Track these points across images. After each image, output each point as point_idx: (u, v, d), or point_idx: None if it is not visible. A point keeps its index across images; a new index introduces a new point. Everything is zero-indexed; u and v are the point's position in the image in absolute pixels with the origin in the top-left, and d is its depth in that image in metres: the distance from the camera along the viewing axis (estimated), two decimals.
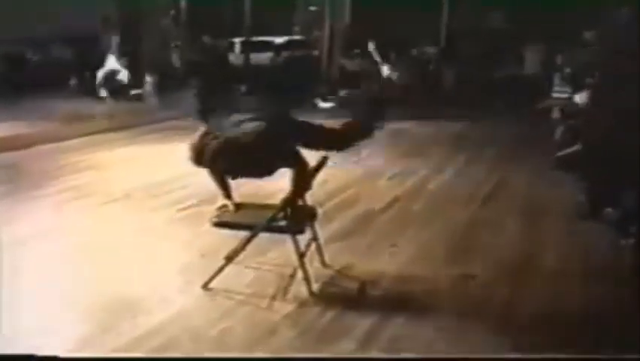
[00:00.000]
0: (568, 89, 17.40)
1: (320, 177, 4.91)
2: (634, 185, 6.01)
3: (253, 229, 4.58)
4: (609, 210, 6.35)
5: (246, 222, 4.66)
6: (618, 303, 4.57)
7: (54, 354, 3.71)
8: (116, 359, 3.95)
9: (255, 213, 4.89)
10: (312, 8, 22.45)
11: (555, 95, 17.52)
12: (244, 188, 7.05)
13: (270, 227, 4.57)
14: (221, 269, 4.62)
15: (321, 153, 4.86)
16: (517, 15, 18.72)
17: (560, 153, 8.60)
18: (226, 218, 4.78)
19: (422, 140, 11.39)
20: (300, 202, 4.77)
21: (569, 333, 4.11)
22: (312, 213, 5.00)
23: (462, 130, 12.72)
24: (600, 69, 7.36)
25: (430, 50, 18.99)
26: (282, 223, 4.55)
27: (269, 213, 4.61)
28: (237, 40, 20.11)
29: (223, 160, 4.66)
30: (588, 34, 18.98)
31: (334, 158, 4.98)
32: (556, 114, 13.85)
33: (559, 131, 9.35)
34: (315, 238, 5.03)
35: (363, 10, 19.45)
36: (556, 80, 18.71)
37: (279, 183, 6.79)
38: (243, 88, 17.28)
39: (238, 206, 5.01)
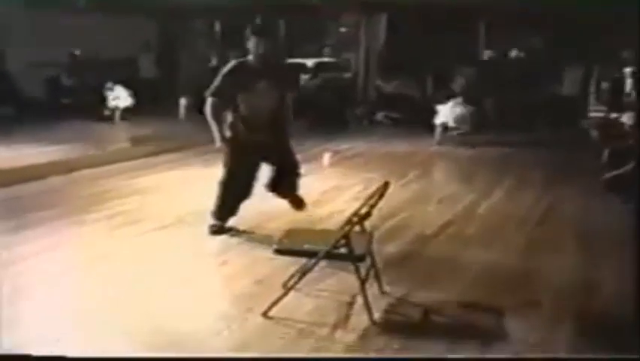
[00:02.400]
0: (603, 108, 17.31)
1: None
2: None
3: (315, 256, 4.52)
4: None
5: (309, 249, 4.60)
6: None
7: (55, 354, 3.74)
8: (116, 359, 3.97)
9: (311, 239, 4.85)
10: (343, 29, 22.50)
11: (592, 114, 17.43)
12: (293, 215, 7.09)
13: (332, 254, 4.50)
14: (282, 297, 4.56)
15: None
16: (554, 37, 18.55)
17: (608, 175, 8.49)
18: (287, 245, 4.71)
19: (466, 164, 11.28)
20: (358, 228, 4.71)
21: None
22: (370, 239, 4.93)
23: (506, 154, 12.57)
24: None
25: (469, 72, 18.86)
26: (344, 250, 4.48)
27: (325, 239, 4.56)
28: None
29: None
30: (626, 53, 18.88)
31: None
32: (594, 134, 13.77)
33: (606, 153, 9.21)
34: (373, 265, 4.95)
35: (397, 32, 19.35)
36: (592, 100, 18.63)
37: (328, 208, 6.78)
38: None
39: (289, 232, 4.97)
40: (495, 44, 19.54)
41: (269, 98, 6.29)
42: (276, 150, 6.55)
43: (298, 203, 7.00)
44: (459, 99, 13.55)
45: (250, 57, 6.24)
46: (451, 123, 13.35)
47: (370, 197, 4.75)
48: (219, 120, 6.28)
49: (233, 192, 6.51)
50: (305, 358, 3.96)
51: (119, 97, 16.06)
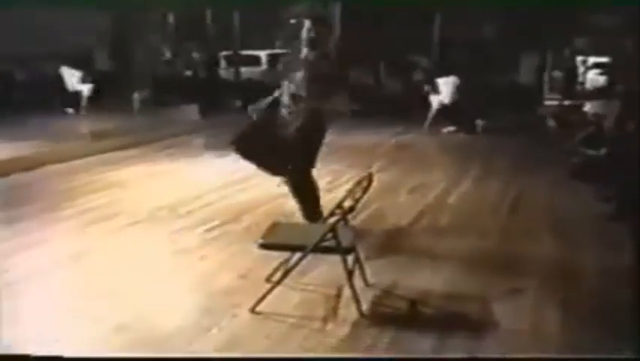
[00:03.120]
0: (558, 97, 17.57)
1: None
2: None
3: (303, 250, 4.50)
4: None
5: (295, 243, 4.58)
6: None
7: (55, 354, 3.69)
8: (116, 359, 3.93)
9: (296, 233, 4.85)
10: (293, 21, 22.36)
11: (547, 102, 17.69)
12: (267, 207, 7.08)
13: (320, 247, 4.49)
14: (269, 292, 4.54)
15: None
16: (509, 24, 18.76)
17: (575, 161, 8.65)
18: (272, 239, 4.67)
19: (429, 152, 11.37)
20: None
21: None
22: (355, 232, 4.93)
23: (466, 141, 12.71)
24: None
25: (423, 61, 19.02)
26: (331, 243, 4.47)
27: (310, 232, 4.56)
28: (223, 53, 20.04)
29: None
30: (580, 42, 19.19)
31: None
32: (551, 123, 13.99)
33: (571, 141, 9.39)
34: (357, 258, 4.95)
35: (352, 21, 19.37)
36: (546, 88, 18.90)
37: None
38: (239, 103, 17.23)
39: (274, 226, 4.94)
40: (450, 33, 19.67)
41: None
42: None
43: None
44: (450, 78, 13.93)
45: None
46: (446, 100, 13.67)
47: (352, 190, 4.77)
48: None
49: None
50: (305, 358, 3.95)
51: (75, 76, 15.89)
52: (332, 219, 4.64)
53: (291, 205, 6.72)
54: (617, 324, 4.41)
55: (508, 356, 4.02)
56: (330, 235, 4.44)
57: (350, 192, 4.79)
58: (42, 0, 15.82)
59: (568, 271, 5.41)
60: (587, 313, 4.65)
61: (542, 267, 5.50)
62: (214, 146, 12.05)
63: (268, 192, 7.58)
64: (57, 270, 5.37)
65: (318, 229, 4.60)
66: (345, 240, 4.53)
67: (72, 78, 16.19)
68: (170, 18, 21.55)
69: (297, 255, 4.56)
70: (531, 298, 4.85)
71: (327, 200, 6.00)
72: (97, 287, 5.03)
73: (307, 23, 5.98)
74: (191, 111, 15.99)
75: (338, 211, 4.78)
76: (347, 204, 4.74)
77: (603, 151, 7.71)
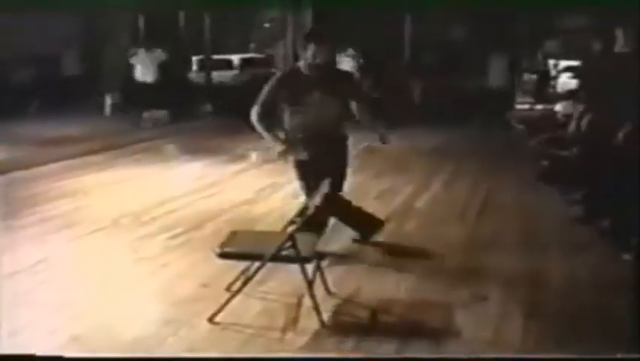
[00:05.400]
0: (530, 100, 17.60)
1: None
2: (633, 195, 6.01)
3: (261, 260, 4.44)
4: (606, 222, 6.37)
5: (254, 252, 4.52)
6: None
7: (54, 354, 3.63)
8: (116, 359, 3.90)
9: (255, 241, 4.80)
10: (267, 25, 22.39)
11: (518, 106, 17.72)
12: (232, 214, 7.03)
13: (278, 257, 4.43)
14: (227, 302, 4.48)
15: None
16: (479, 27, 18.81)
17: (541, 166, 8.66)
18: (230, 248, 4.60)
19: (399, 156, 11.32)
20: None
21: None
22: (316, 240, 4.87)
23: (438, 144, 12.69)
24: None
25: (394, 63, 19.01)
26: (290, 253, 4.41)
27: (270, 241, 4.50)
28: (195, 58, 19.89)
29: None
30: (549, 45, 19.24)
31: None
32: (520, 128, 14.00)
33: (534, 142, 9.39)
34: (318, 266, 4.89)
35: (325, 24, 19.32)
36: (519, 92, 18.92)
37: (266, 207, 6.67)
38: (209, 107, 17.13)
39: (233, 234, 4.87)
40: (420, 35, 19.67)
41: (324, 112, 5.64)
42: (332, 170, 5.57)
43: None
44: None
45: (301, 64, 5.71)
46: None
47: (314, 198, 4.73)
48: (269, 129, 5.67)
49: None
50: (305, 358, 3.91)
51: None
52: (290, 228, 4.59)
53: (256, 213, 6.68)
54: (585, 327, 4.44)
55: (506, 356, 4.00)
56: (289, 244, 4.39)
57: (312, 199, 4.75)
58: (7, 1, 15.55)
59: (534, 276, 5.40)
60: (552, 318, 4.63)
61: (508, 273, 5.47)
62: (183, 151, 11.99)
63: (233, 199, 7.51)
64: (15, 279, 5.26)
65: (278, 238, 4.53)
66: (305, 249, 4.47)
67: None
68: (141, 21, 21.34)
69: (257, 264, 4.50)
70: (495, 305, 4.82)
71: (294, 206, 5.95)
72: (54, 297, 4.93)
73: (312, 47, 5.54)
74: (161, 116, 15.86)
75: (298, 219, 4.74)
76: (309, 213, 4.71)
77: (573, 151, 7.69)
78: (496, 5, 16.50)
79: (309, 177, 5.61)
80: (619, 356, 3.95)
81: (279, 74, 5.90)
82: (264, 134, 5.66)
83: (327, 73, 5.70)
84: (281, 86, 5.65)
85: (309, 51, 5.51)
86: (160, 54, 15.87)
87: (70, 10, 17.63)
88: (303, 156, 5.62)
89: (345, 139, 5.94)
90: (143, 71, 15.58)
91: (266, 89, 5.66)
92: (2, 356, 3.61)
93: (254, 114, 5.60)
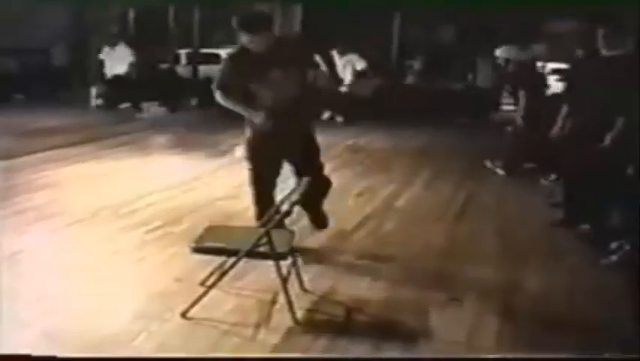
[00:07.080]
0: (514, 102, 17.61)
1: None
2: (614, 199, 6.02)
3: (236, 255, 4.41)
4: (585, 226, 6.38)
5: (229, 247, 4.48)
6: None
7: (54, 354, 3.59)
8: (116, 359, 3.88)
9: (231, 236, 4.76)
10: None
11: (504, 107, 17.75)
12: (209, 209, 6.99)
13: (253, 253, 4.40)
14: (201, 297, 4.45)
15: None
16: (468, 28, 18.83)
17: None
18: (205, 243, 4.57)
19: (384, 155, 11.31)
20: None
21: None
22: (291, 237, 4.84)
23: (423, 144, 12.68)
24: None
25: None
26: (265, 249, 4.38)
27: (245, 236, 4.47)
28: (183, 51, 19.80)
29: None
30: (536, 48, 19.26)
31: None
32: (507, 128, 13.98)
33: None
34: (294, 263, 4.87)
35: (315, 21, 19.28)
36: (504, 93, 18.94)
37: (243, 202, 6.64)
38: (194, 101, 17.10)
39: (209, 229, 4.84)
40: (409, 33, 19.68)
41: (286, 87, 5.42)
42: (301, 148, 5.68)
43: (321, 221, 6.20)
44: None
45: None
46: None
47: (290, 194, 4.71)
48: (240, 102, 5.45)
49: (264, 191, 5.70)
50: (305, 358, 3.91)
51: None
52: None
53: (236, 208, 6.63)
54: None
55: (507, 356, 4.00)
56: (264, 240, 4.36)
57: (287, 196, 4.73)
58: None
59: (511, 280, 5.38)
60: (527, 322, 4.63)
61: (484, 275, 5.46)
62: (167, 144, 11.94)
63: (212, 193, 7.46)
64: None
65: (254, 233, 4.49)
66: (281, 245, 4.44)
67: None
68: (130, 13, 21.24)
69: (232, 259, 4.47)
70: (470, 307, 4.81)
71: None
72: (27, 290, 4.87)
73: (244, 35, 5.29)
74: (148, 108, 15.81)
75: (276, 216, 4.71)
76: (284, 207, 4.69)
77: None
78: (483, 7, 16.50)
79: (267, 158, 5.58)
80: (607, 355, 3.96)
81: (229, 53, 5.70)
82: (237, 107, 5.46)
83: (279, 49, 5.37)
84: (234, 65, 5.45)
85: (243, 38, 5.29)
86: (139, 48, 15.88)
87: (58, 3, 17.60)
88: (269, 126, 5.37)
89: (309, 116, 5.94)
90: (114, 66, 15.54)
91: (221, 70, 5.51)
92: (1, 356, 3.57)
93: (217, 97, 5.43)
